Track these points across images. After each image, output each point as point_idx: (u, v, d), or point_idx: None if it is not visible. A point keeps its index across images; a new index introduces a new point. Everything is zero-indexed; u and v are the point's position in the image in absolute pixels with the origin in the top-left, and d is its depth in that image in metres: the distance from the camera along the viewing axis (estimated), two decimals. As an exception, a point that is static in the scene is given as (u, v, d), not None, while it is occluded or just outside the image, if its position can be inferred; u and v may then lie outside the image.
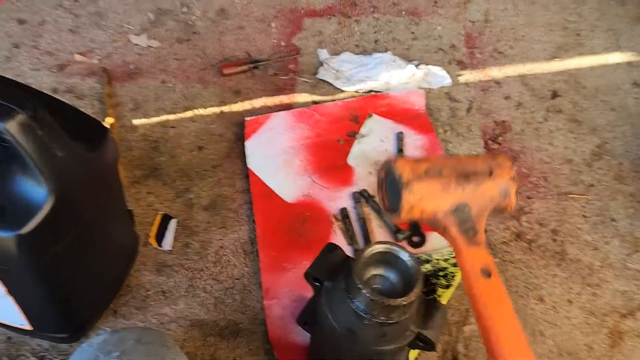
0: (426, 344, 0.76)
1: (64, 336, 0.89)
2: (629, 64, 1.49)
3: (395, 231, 1.09)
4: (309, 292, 0.86)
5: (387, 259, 0.73)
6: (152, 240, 1.05)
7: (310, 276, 0.80)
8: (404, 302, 0.67)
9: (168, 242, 1.05)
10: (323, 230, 1.09)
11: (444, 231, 0.67)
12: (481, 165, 0.65)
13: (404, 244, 1.09)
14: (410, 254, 0.71)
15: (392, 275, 0.74)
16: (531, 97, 1.40)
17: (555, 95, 1.41)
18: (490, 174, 0.62)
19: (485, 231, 1.13)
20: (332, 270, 0.77)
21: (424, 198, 0.65)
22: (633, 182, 1.25)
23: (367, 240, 1.08)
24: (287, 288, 1.00)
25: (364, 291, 0.67)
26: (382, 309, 0.68)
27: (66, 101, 0.81)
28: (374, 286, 0.73)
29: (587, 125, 1.35)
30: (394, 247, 0.72)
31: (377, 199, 1.14)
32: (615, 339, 1.02)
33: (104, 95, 1.27)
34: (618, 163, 1.28)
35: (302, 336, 0.94)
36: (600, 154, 1.30)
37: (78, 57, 1.35)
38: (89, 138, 0.73)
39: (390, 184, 0.67)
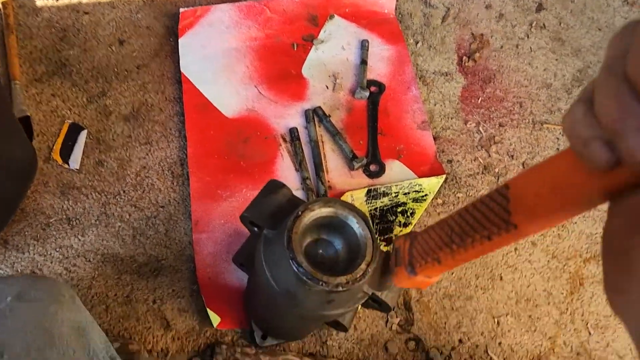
0: (380, 306, 0.65)
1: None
2: (623, -23, 1.32)
3: (351, 157, 0.94)
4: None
5: (332, 223, 0.59)
6: (56, 156, 0.87)
7: (247, 220, 0.66)
8: (343, 282, 0.54)
9: (76, 158, 0.87)
10: (268, 152, 0.94)
11: None
12: None
13: (360, 172, 0.95)
14: (362, 218, 0.57)
15: (337, 242, 0.61)
16: (515, 8, 1.22)
17: (540, 7, 1.24)
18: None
19: (451, 162, 1.02)
20: (274, 215, 0.63)
21: None
22: (612, 113, 1.14)
23: (319, 167, 0.93)
24: (222, 220, 0.86)
25: (296, 268, 0.54)
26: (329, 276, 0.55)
27: None
28: (319, 251, 0.60)
29: (571, 45, 1.20)
30: (341, 211, 0.58)
31: (332, 119, 0.99)
32: (575, 285, 0.96)
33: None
34: (599, 91, 1.16)
35: (235, 278, 0.82)
36: (582, 80, 1.16)
37: None
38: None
39: None
